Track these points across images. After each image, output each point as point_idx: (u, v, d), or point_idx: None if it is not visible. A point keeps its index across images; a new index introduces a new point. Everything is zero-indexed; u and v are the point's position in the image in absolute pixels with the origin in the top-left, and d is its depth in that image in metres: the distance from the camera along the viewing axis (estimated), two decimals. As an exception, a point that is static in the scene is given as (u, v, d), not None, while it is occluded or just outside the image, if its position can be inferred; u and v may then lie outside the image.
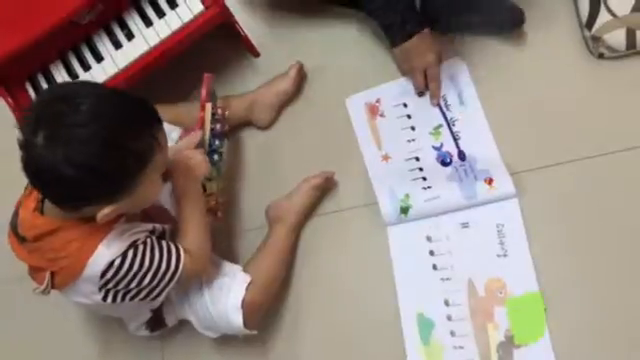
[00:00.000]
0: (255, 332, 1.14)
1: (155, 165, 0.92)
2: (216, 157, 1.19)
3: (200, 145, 1.13)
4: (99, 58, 1.22)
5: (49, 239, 0.95)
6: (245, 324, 1.10)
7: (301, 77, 1.35)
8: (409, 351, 1.15)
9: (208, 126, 1.16)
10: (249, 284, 1.11)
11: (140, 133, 0.89)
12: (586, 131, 1.19)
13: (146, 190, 0.93)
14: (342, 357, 1.20)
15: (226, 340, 1.20)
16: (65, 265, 0.97)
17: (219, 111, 1.20)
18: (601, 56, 1.22)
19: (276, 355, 1.23)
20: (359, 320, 1.20)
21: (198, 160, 1.08)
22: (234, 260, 1.20)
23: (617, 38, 1.18)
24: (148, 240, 1.00)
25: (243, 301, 1.09)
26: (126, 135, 0.87)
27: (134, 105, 0.91)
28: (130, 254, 0.97)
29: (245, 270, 1.15)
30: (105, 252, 0.95)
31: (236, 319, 1.09)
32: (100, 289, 0.99)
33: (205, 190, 1.15)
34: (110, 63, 1.21)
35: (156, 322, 1.18)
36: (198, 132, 1.13)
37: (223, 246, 1.26)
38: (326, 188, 1.28)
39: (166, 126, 1.21)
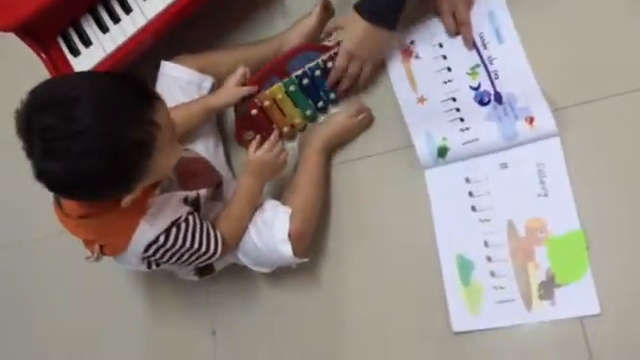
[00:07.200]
0: (307, 259, 1.17)
1: (161, 144, 0.89)
2: (321, 104, 1.28)
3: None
4: (128, 10, 1.21)
5: (90, 220, 0.98)
6: (295, 253, 1.12)
7: (328, 13, 1.32)
8: (449, 292, 1.15)
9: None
10: (291, 215, 1.13)
11: (138, 124, 0.86)
12: (633, 62, 1.13)
13: (162, 164, 0.93)
14: (382, 301, 1.21)
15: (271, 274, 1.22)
16: (110, 241, 1.02)
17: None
18: (650, -19, 1.15)
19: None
20: (399, 263, 1.20)
21: (274, 162, 1.14)
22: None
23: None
24: (190, 218, 1.04)
25: (289, 232, 1.11)
26: (123, 134, 0.84)
27: (127, 94, 0.86)
28: (173, 231, 1.01)
29: (284, 202, 1.17)
30: (148, 229, 0.99)
31: (286, 250, 1.12)
32: (143, 260, 1.05)
33: (284, 115, 1.26)
34: (139, 14, 1.20)
35: (205, 268, 1.21)
36: (245, 69, 1.20)
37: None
38: (363, 125, 1.26)
39: (197, 76, 1.23)
